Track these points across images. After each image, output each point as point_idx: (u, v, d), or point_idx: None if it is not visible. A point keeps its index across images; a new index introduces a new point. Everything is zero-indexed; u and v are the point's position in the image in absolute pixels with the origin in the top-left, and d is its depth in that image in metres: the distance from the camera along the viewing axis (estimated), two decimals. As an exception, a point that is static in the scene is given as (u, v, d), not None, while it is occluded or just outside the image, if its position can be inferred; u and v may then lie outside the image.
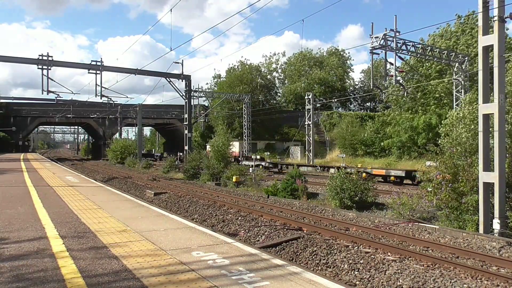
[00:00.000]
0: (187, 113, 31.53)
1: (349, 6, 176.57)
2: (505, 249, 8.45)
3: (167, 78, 30.54)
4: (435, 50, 23.83)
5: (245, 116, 44.01)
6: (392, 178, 20.63)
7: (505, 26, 10.24)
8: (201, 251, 5.35)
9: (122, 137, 59.91)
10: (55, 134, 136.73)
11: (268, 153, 38.50)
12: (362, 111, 61.99)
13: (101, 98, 29.30)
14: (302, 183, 16.86)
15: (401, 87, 25.86)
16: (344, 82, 62.24)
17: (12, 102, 59.19)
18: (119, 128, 57.81)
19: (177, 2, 16.35)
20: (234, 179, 21.33)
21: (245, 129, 43.86)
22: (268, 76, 61.21)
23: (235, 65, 55.55)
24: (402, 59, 23.24)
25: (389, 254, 8.03)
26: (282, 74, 65.17)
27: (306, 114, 37.27)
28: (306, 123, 37.04)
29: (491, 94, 9.79)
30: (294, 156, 42.77)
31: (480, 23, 10.00)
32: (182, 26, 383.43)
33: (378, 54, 20.72)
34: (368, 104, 67.11)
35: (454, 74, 25.29)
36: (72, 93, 38.17)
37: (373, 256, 7.84)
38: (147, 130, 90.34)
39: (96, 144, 69.32)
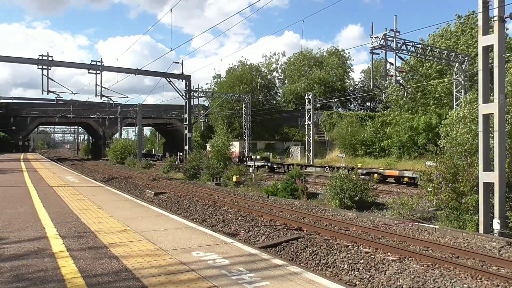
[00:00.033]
0: (187, 113, 31.54)
1: (349, 6, 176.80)
2: (505, 249, 8.45)
3: (167, 78, 30.54)
4: (435, 50, 23.82)
5: (245, 116, 44.01)
6: (405, 179, 19.47)
7: (505, 26, 10.25)
8: (201, 251, 5.35)
9: (122, 137, 59.95)
10: (55, 134, 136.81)
11: (269, 153, 38.50)
12: (362, 111, 61.96)
13: (101, 98, 29.35)
14: (302, 183, 16.86)
15: (401, 87, 25.86)
16: (344, 82, 62.22)
17: (12, 102, 59.19)
18: (119, 128, 57.82)
19: (177, 2, 16.37)
20: (234, 179, 21.33)
21: (245, 129, 43.85)
22: (268, 76, 61.20)
23: (235, 65, 55.60)
24: (402, 59, 23.23)
25: (389, 254, 8.03)
26: (282, 74, 65.16)
27: (306, 114, 37.27)
28: (306, 123, 37.03)
29: (491, 94, 9.79)
30: (294, 156, 42.77)
31: (480, 23, 10.00)
32: (182, 26, 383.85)
33: (378, 54, 20.71)
34: (368, 104, 67.10)
35: (454, 74, 25.28)
36: (72, 93, 38.22)
37: (373, 256, 7.84)
38: (147, 130, 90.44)
39: (96, 144, 69.33)
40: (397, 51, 20.46)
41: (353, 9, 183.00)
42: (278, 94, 63.17)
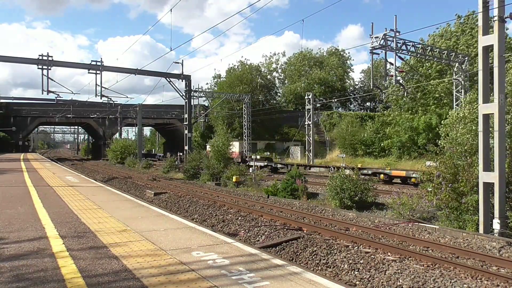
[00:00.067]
0: (187, 113, 31.54)
1: (349, 6, 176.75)
2: (505, 249, 8.45)
3: (167, 78, 30.54)
4: (435, 50, 23.83)
5: (245, 116, 44.01)
6: (413, 180, 18.84)
7: (505, 26, 10.25)
8: (201, 251, 5.35)
9: (122, 137, 59.95)
10: (55, 134, 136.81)
11: (269, 153, 38.48)
12: (362, 111, 61.99)
13: (101, 98, 29.35)
14: (302, 183, 16.86)
15: (401, 87, 25.86)
16: (344, 82, 62.24)
17: (12, 102, 59.19)
18: (119, 128, 57.82)
19: (177, 2, 16.37)
20: (234, 179, 21.33)
21: (245, 129, 43.85)
22: (268, 76, 61.20)
23: (235, 65, 55.62)
24: (402, 59, 23.24)
25: (389, 254, 8.03)
26: (282, 74, 65.17)
27: (306, 114, 37.27)
28: (306, 123, 37.04)
29: (491, 94, 9.79)
30: (294, 156, 42.77)
31: (480, 23, 10.00)
32: (182, 26, 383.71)
33: (378, 54, 20.72)
34: (368, 104, 67.13)
35: (454, 74, 25.29)
36: (72, 93, 38.26)
37: (373, 256, 7.84)
38: (147, 130, 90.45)
39: (96, 144, 69.33)
40: (397, 51, 20.47)
41: (353, 9, 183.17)
42: (278, 94, 63.20)
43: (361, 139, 38.56)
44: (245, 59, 61.39)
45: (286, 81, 63.85)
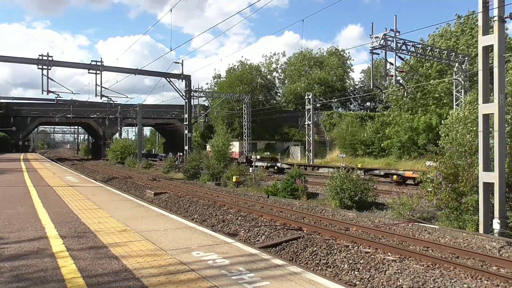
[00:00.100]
0: (187, 113, 31.53)
1: (349, 6, 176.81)
2: (505, 249, 8.45)
3: (167, 78, 30.54)
4: (435, 50, 23.83)
5: (245, 116, 44.01)
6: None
7: (505, 26, 10.25)
8: (201, 251, 5.35)
9: (122, 137, 59.94)
10: (55, 134, 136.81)
11: (269, 153, 38.47)
12: (362, 111, 61.97)
13: (101, 98, 29.36)
14: (302, 183, 16.86)
15: (401, 87, 25.87)
16: (344, 82, 62.23)
17: (12, 102, 59.20)
18: (119, 128, 57.82)
19: (177, 2, 16.37)
20: (234, 179, 21.33)
21: (245, 129, 43.85)
22: (268, 76, 61.18)
23: (235, 65, 55.61)
24: (402, 59, 23.25)
25: (389, 254, 8.03)
26: (282, 74, 65.14)
27: (306, 114, 37.26)
28: (306, 123, 37.03)
29: (491, 94, 9.79)
30: (294, 156, 42.76)
31: (480, 23, 10.00)
32: (182, 26, 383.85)
33: (378, 54, 20.73)
34: (368, 104, 67.12)
35: (454, 74, 25.29)
36: (72, 93, 38.25)
37: (373, 256, 7.84)
38: (147, 130, 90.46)
39: (96, 144, 69.34)
40: (397, 51, 20.48)
41: (353, 9, 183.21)
42: (278, 94, 63.19)
43: (361, 139, 38.56)
44: (245, 59, 61.45)
45: (286, 81, 63.84)
